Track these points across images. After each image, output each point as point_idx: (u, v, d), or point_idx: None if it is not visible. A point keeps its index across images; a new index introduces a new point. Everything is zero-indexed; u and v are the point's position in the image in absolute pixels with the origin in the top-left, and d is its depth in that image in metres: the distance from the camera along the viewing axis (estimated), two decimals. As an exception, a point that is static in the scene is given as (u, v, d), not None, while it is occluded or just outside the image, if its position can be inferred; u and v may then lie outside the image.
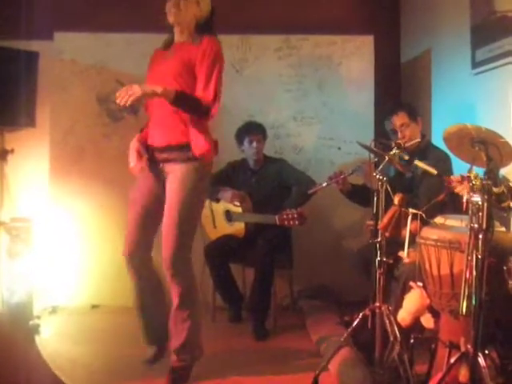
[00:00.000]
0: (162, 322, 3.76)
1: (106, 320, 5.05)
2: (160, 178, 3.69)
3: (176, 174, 3.57)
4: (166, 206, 3.57)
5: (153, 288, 3.79)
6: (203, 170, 3.62)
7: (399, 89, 5.86)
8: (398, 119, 4.39)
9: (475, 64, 4.41)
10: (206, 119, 3.60)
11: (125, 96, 3.42)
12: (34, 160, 5.39)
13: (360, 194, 4.56)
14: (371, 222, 4.02)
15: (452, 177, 3.21)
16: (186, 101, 3.52)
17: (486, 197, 2.64)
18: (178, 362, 3.64)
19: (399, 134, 4.36)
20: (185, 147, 3.56)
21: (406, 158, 3.72)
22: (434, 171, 3.53)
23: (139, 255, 3.71)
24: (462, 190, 3.00)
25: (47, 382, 3.53)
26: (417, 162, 3.65)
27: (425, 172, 3.90)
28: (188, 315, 3.62)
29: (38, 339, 3.95)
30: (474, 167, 2.81)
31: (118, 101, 3.45)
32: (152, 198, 3.71)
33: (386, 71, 5.67)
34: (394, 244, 3.50)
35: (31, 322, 4.08)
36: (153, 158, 3.70)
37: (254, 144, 4.93)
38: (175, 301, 3.62)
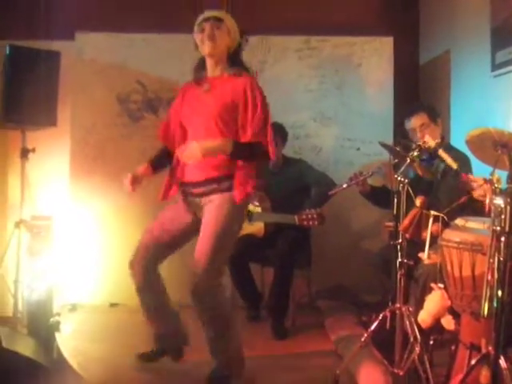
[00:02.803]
0: (166, 325, 3.84)
1: (125, 318, 5.08)
2: (192, 210, 3.68)
3: (213, 204, 3.53)
4: (201, 234, 3.52)
5: (155, 293, 3.83)
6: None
7: (418, 90, 5.86)
8: (418, 119, 4.39)
9: (495, 66, 4.41)
10: (266, 161, 3.65)
11: (185, 157, 3.45)
12: (54, 159, 5.44)
13: (379, 196, 4.56)
14: (389, 223, 4.04)
15: (470, 176, 3.21)
16: (243, 150, 3.50)
17: (508, 200, 2.65)
18: (212, 373, 3.62)
19: (419, 135, 4.36)
20: (222, 179, 3.54)
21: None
22: (454, 165, 3.51)
23: (143, 266, 3.75)
24: (482, 194, 3.01)
25: (67, 377, 3.57)
26: (440, 153, 3.62)
27: (445, 173, 3.91)
28: (220, 335, 3.61)
29: (58, 336, 3.96)
30: (497, 170, 2.82)
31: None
32: (178, 224, 3.71)
33: (405, 72, 5.68)
34: (413, 245, 3.51)
35: (52, 319, 4.10)
36: (188, 193, 3.68)
37: (269, 147, 4.95)
38: (205, 333, 3.61)
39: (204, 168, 3.56)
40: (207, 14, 3.60)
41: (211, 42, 3.53)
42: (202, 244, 3.50)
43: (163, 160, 3.88)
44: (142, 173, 3.76)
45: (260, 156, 3.56)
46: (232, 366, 3.65)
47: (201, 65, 3.70)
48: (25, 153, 4.85)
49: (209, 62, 3.64)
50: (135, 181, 3.72)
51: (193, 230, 3.64)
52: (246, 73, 3.59)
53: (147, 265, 3.75)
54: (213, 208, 3.53)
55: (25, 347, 3.40)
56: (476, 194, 3.06)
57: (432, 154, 3.89)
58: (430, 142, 3.57)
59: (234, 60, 3.62)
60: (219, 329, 3.61)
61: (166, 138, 3.88)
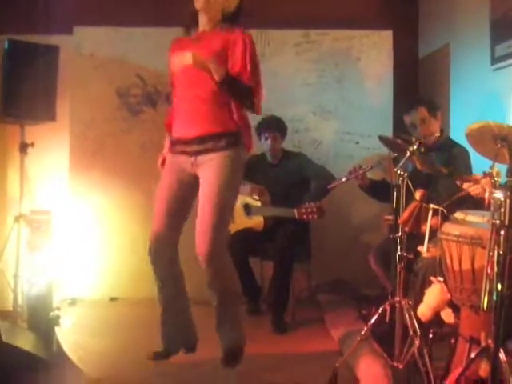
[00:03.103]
0: (184, 318, 3.78)
1: (124, 312, 5.10)
2: (190, 172, 3.61)
3: (212, 164, 3.48)
4: (202, 196, 3.50)
5: (175, 280, 3.74)
6: (238, 158, 3.56)
7: (417, 84, 5.86)
8: (418, 114, 4.39)
9: (494, 59, 4.40)
10: (252, 111, 3.58)
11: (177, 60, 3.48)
12: (54, 153, 5.44)
13: (379, 189, 4.56)
14: (389, 217, 4.05)
15: (464, 177, 3.22)
16: (235, 83, 3.45)
17: (508, 193, 2.65)
18: (229, 346, 3.63)
19: (418, 129, 4.36)
20: (220, 136, 3.50)
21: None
22: (445, 170, 3.53)
23: (166, 243, 3.65)
24: (477, 191, 3.02)
25: (67, 371, 3.58)
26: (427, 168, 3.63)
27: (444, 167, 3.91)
28: (231, 303, 3.65)
29: (57, 330, 3.96)
30: (496, 164, 2.82)
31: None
32: (180, 193, 3.64)
33: (404, 66, 5.68)
34: (413, 239, 3.52)
35: (51, 313, 4.10)
36: (182, 151, 3.62)
37: (269, 141, 4.96)
38: (215, 294, 3.61)
39: (198, 123, 3.53)
40: None
41: None
42: (204, 210, 3.46)
43: None
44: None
45: (247, 99, 3.51)
46: (240, 337, 3.69)
47: (192, 19, 3.68)
48: (24, 147, 4.85)
49: (201, 17, 3.62)
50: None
51: (195, 188, 3.58)
52: (241, 29, 3.55)
53: (170, 248, 3.68)
54: (209, 170, 3.49)
55: (25, 341, 3.41)
56: (474, 192, 3.06)
57: (430, 147, 3.89)
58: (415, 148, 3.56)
59: (228, 20, 3.60)
60: (229, 291, 3.65)
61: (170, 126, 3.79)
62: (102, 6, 5.51)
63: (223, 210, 3.48)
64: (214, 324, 3.70)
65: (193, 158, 3.56)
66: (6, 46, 4.63)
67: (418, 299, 3.37)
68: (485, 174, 2.88)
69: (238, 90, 3.49)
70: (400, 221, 3.39)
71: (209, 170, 3.50)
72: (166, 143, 3.83)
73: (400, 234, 3.43)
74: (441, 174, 3.74)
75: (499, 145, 2.85)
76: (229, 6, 3.59)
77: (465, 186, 3.10)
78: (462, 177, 3.19)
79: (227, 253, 3.59)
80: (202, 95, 3.51)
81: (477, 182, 3.04)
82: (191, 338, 3.82)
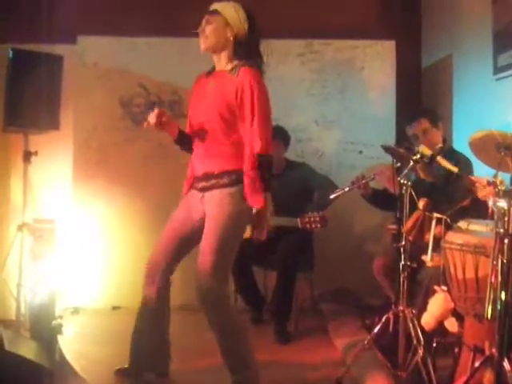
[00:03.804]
0: (159, 346, 3.72)
1: (127, 321, 5.04)
2: (199, 207, 3.57)
3: (213, 201, 3.47)
4: (204, 233, 3.45)
5: (159, 310, 3.70)
6: (241, 196, 3.47)
7: (420, 93, 5.87)
8: (420, 125, 4.40)
9: (497, 69, 4.42)
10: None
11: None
12: (57, 162, 5.44)
13: (381, 199, 4.57)
14: (392, 226, 4.05)
15: (474, 178, 3.22)
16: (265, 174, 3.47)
17: (511, 202, 2.65)
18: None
19: (421, 140, 4.36)
20: (223, 174, 3.47)
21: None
22: (455, 169, 3.51)
23: (161, 269, 3.62)
24: (486, 195, 3.01)
25: (70, 380, 3.57)
26: (439, 159, 3.62)
27: (447, 177, 3.91)
28: (228, 344, 3.48)
29: (60, 339, 3.96)
30: (500, 173, 2.83)
31: None
32: (189, 225, 3.60)
33: (407, 76, 5.69)
34: (416, 248, 3.52)
35: (54, 322, 4.10)
36: (193, 187, 3.62)
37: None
38: (214, 333, 3.49)
39: (206, 161, 3.53)
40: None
41: (201, 37, 3.47)
42: (205, 246, 3.42)
43: (188, 140, 3.68)
44: (168, 116, 3.59)
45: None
46: (247, 375, 3.49)
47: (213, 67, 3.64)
48: (27, 156, 4.85)
49: (213, 57, 3.56)
50: (161, 114, 3.50)
51: (202, 226, 3.53)
52: (246, 66, 3.43)
53: (163, 277, 3.63)
54: (212, 206, 3.47)
55: (27, 350, 3.40)
56: (480, 194, 3.06)
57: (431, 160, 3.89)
58: (426, 151, 3.57)
59: (240, 51, 3.48)
60: (231, 340, 3.48)
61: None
62: (106, 16, 5.52)
63: (223, 248, 3.40)
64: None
65: (201, 195, 3.55)
66: (10, 55, 4.64)
67: (422, 308, 3.37)
68: (488, 183, 2.88)
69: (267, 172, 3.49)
70: (404, 230, 3.39)
71: (211, 206, 3.49)
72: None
73: (404, 243, 3.43)
74: (449, 176, 3.74)
75: (502, 153, 2.86)
76: (237, 36, 3.46)
77: (477, 185, 3.08)
78: (470, 178, 3.18)
79: (227, 296, 3.52)
80: (211, 135, 3.49)
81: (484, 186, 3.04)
82: (162, 363, 3.76)
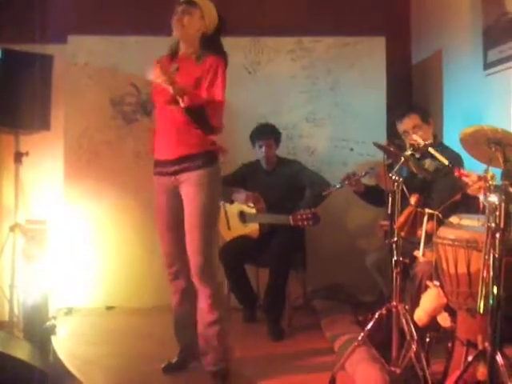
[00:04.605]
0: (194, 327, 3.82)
1: (121, 321, 5.08)
2: (173, 189, 3.71)
3: (190, 182, 3.60)
4: (185, 216, 3.63)
5: (191, 296, 3.79)
6: (215, 176, 3.69)
7: (411, 90, 5.88)
8: (411, 121, 4.40)
9: (487, 65, 4.42)
10: (212, 134, 3.65)
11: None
12: (48, 163, 5.42)
13: (373, 195, 4.59)
14: (385, 222, 4.06)
15: (463, 171, 3.22)
16: (198, 111, 3.49)
17: (503, 197, 2.66)
18: (213, 367, 3.71)
19: (411, 136, 4.37)
20: (196, 156, 3.61)
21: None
22: (446, 161, 3.53)
23: (178, 265, 3.78)
24: (476, 190, 3.02)
25: (64, 381, 3.57)
26: (430, 150, 3.64)
27: (437, 172, 3.92)
28: (218, 318, 3.68)
29: (54, 340, 3.96)
30: (491, 168, 2.84)
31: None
32: (171, 213, 3.75)
33: (397, 72, 5.68)
34: (408, 244, 3.53)
35: (48, 323, 4.10)
36: (162, 172, 3.73)
37: (263, 149, 4.96)
38: (204, 305, 3.67)
39: (175, 146, 3.63)
40: None
41: (178, 25, 3.60)
42: (189, 229, 3.60)
43: None
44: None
45: (206, 126, 3.56)
46: (226, 357, 3.74)
47: (176, 45, 3.78)
48: (18, 157, 4.84)
49: (181, 44, 3.73)
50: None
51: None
52: (214, 54, 3.61)
53: (184, 268, 3.75)
54: (188, 188, 3.61)
55: (21, 351, 3.39)
56: (470, 190, 3.06)
57: (423, 153, 3.91)
58: (419, 140, 3.60)
59: (207, 44, 3.66)
60: (218, 305, 3.69)
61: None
62: (96, 15, 5.51)
63: (206, 229, 3.60)
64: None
65: (173, 177, 3.68)
66: (0, 56, 4.63)
67: (415, 304, 3.38)
68: (479, 178, 2.89)
69: (199, 119, 3.53)
70: (396, 226, 3.40)
71: (188, 188, 3.63)
72: None
73: (396, 239, 3.44)
74: (439, 171, 3.75)
75: (493, 148, 2.87)
76: (206, 30, 3.67)
77: (465, 178, 3.09)
78: (460, 171, 3.18)
79: (217, 269, 3.73)
80: (180, 119, 3.57)
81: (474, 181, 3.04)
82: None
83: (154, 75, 3.38)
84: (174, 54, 3.78)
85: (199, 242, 3.57)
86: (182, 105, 3.42)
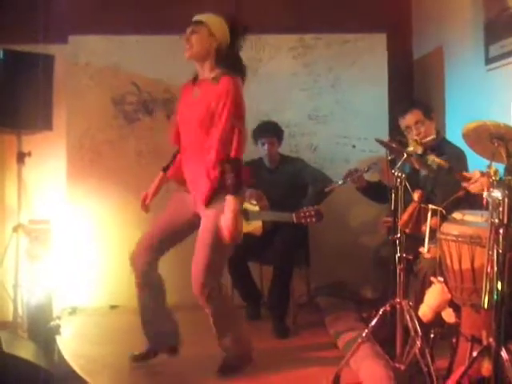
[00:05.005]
0: (161, 324, 3.91)
1: (125, 320, 5.08)
2: (191, 208, 3.73)
3: (211, 211, 3.59)
4: (200, 232, 3.64)
5: (153, 291, 3.89)
6: (240, 204, 3.65)
7: (412, 86, 5.88)
8: (413, 117, 4.40)
9: (488, 60, 4.42)
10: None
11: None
12: (51, 162, 5.42)
13: (376, 191, 4.58)
14: (388, 219, 4.05)
15: (464, 173, 3.23)
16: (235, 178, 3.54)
17: (506, 192, 2.66)
18: (227, 361, 3.81)
19: (414, 132, 4.37)
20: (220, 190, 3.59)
21: (420, 152, 3.72)
22: (445, 164, 3.53)
23: (145, 259, 3.82)
24: (476, 189, 3.02)
25: (69, 380, 3.58)
26: (429, 156, 3.65)
27: (440, 168, 3.92)
28: (225, 331, 3.75)
29: (58, 339, 3.97)
30: (494, 163, 2.83)
31: None
32: (180, 220, 3.80)
33: (399, 69, 5.69)
34: (412, 240, 3.53)
35: (52, 323, 4.10)
36: (186, 189, 3.78)
37: (266, 146, 4.96)
38: (210, 319, 3.73)
39: (199, 169, 3.64)
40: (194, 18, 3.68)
41: (187, 47, 3.61)
42: (201, 244, 3.61)
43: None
44: (154, 188, 4.01)
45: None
46: (241, 356, 3.81)
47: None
48: (21, 157, 4.85)
49: (197, 66, 3.72)
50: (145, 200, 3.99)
51: (195, 223, 3.71)
52: (228, 75, 3.57)
53: (148, 259, 3.82)
54: (210, 215, 3.60)
55: (26, 351, 3.41)
56: (473, 189, 3.06)
57: (426, 149, 3.90)
58: (416, 148, 3.59)
59: (222, 60, 3.64)
60: (225, 323, 3.75)
61: (177, 140, 3.91)
62: (97, 15, 5.50)
63: (218, 249, 3.61)
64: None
65: (193, 197, 3.71)
66: (1, 56, 4.63)
67: (419, 300, 3.38)
68: (482, 174, 2.89)
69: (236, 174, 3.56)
70: (400, 223, 3.40)
71: (208, 211, 3.62)
72: (154, 183, 4.04)
73: (399, 235, 3.44)
74: (441, 169, 3.75)
75: (496, 144, 2.86)
76: (219, 46, 3.64)
77: (465, 184, 3.10)
78: (461, 174, 3.19)
79: (221, 286, 3.74)
80: (201, 145, 3.62)
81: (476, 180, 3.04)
82: (173, 338, 3.94)
83: None
84: (196, 78, 3.77)
85: (205, 262, 3.58)
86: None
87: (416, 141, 3.65)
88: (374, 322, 3.49)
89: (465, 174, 3.21)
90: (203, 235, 3.61)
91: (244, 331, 3.87)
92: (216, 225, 3.54)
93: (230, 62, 3.64)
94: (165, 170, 4.00)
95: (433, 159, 3.56)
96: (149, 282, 3.85)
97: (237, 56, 3.69)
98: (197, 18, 3.66)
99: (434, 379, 3.13)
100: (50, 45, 5.08)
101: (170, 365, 3.93)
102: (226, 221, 3.49)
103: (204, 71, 3.68)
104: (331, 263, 5.33)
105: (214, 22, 3.64)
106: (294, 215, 4.54)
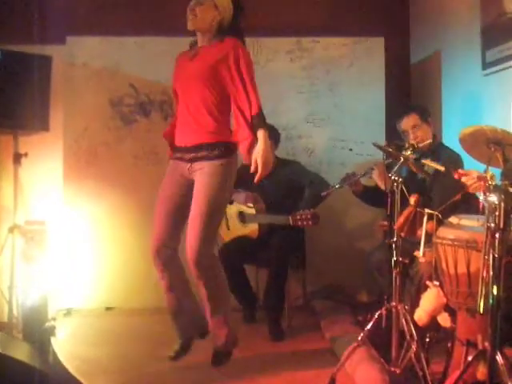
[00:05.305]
0: (191, 313, 3.90)
1: (120, 322, 5.08)
2: (187, 176, 3.76)
3: (204, 171, 3.65)
4: (193, 201, 3.66)
5: (179, 281, 3.85)
6: (230, 168, 3.73)
7: (410, 90, 5.88)
8: (410, 120, 4.41)
9: (485, 65, 4.43)
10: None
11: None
12: (47, 163, 5.42)
13: (372, 195, 4.58)
14: (384, 223, 4.05)
15: (464, 171, 3.22)
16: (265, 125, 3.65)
17: (502, 196, 2.66)
18: (218, 348, 3.83)
19: (411, 136, 4.38)
20: (214, 146, 3.66)
21: (415, 156, 3.73)
22: (441, 168, 3.53)
23: (166, 250, 3.78)
24: (477, 189, 3.02)
25: (64, 382, 3.57)
26: (424, 161, 3.65)
27: (437, 172, 3.93)
28: (218, 307, 3.77)
29: (53, 341, 3.97)
30: (490, 168, 2.84)
31: None
32: (179, 194, 3.79)
33: (396, 72, 5.70)
34: (408, 244, 3.53)
35: (47, 324, 4.10)
36: (180, 158, 3.78)
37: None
38: (204, 293, 3.74)
39: (195, 133, 3.70)
40: None
41: (191, 17, 3.66)
42: (195, 213, 3.63)
43: None
44: None
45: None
46: (229, 340, 3.82)
47: (195, 41, 3.84)
48: (17, 158, 4.84)
49: (197, 36, 3.78)
50: None
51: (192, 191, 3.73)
52: (230, 37, 3.66)
53: (168, 251, 3.80)
54: (202, 175, 3.65)
55: (20, 352, 3.39)
56: (471, 188, 3.06)
57: (422, 154, 3.91)
58: (409, 154, 3.60)
59: (224, 31, 3.70)
60: (217, 287, 3.76)
61: (169, 135, 3.94)
62: (95, 16, 5.51)
63: (212, 217, 3.65)
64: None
65: (189, 165, 3.73)
66: (-1, 57, 4.63)
67: (415, 304, 3.38)
68: (479, 178, 2.89)
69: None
70: (395, 226, 3.40)
71: (201, 176, 3.67)
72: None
73: (395, 239, 3.44)
74: (438, 173, 3.75)
75: (493, 149, 2.87)
76: (221, 19, 3.70)
77: (463, 179, 3.09)
78: (458, 171, 3.18)
79: (215, 256, 3.79)
80: (201, 106, 3.67)
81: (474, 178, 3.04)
82: (203, 323, 3.91)
83: None
84: (192, 46, 3.85)
85: (200, 230, 3.59)
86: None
87: (413, 145, 3.64)
88: (369, 326, 3.48)
89: (461, 171, 3.20)
90: (197, 204, 3.63)
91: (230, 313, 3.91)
92: (210, 192, 3.61)
93: (231, 34, 3.70)
94: None
95: (428, 163, 3.56)
96: (174, 273, 3.83)
97: (238, 29, 3.74)
98: None
99: (430, 383, 3.13)
100: (47, 45, 5.08)
101: (166, 367, 3.92)
102: (259, 152, 3.56)
103: (203, 40, 3.75)
104: (327, 266, 5.34)
105: None
106: (290, 218, 4.53)
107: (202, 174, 3.66)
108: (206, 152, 3.66)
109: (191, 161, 3.72)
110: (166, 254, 3.78)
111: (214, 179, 3.63)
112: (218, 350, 3.82)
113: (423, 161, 3.62)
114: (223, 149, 3.67)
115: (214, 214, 3.67)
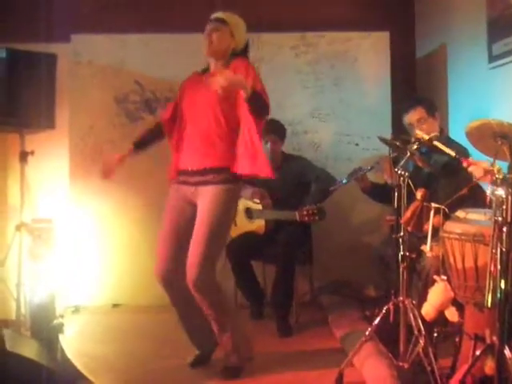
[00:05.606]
0: (203, 330, 3.82)
1: (127, 319, 5.10)
2: (191, 200, 3.73)
3: (209, 195, 3.62)
4: (196, 225, 3.62)
5: (187, 301, 3.74)
6: (234, 194, 3.72)
7: (415, 84, 5.86)
8: (416, 114, 4.39)
9: (492, 58, 4.41)
10: (265, 118, 3.74)
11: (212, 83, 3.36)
12: (54, 161, 5.43)
13: (381, 192, 4.56)
14: (391, 217, 4.04)
15: (470, 160, 3.21)
16: (257, 96, 3.49)
17: (509, 190, 2.65)
18: (228, 363, 3.75)
19: (417, 129, 4.36)
20: (221, 170, 3.63)
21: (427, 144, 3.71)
22: (452, 153, 3.51)
23: (169, 274, 3.73)
24: (486, 178, 3.00)
25: (72, 379, 3.58)
26: (436, 144, 3.62)
27: (444, 166, 3.92)
28: (225, 326, 3.71)
29: (61, 338, 3.98)
30: (497, 161, 2.83)
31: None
32: (182, 219, 3.76)
33: (401, 67, 5.68)
34: (415, 238, 3.52)
35: (55, 321, 4.12)
36: (184, 181, 3.76)
37: (269, 145, 4.95)
38: (208, 314, 3.69)
39: (203, 157, 3.66)
40: (213, 15, 3.72)
41: (207, 43, 3.66)
42: (197, 237, 3.59)
43: (149, 140, 4.09)
44: (118, 160, 4.04)
45: (265, 112, 3.64)
46: (241, 355, 3.76)
47: (207, 66, 3.83)
48: (24, 156, 4.84)
49: (210, 62, 3.77)
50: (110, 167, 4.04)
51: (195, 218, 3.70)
52: (236, 58, 3.68)
53: (174, 273, 3.73)
54: (207, 199, 3.62)
55: (29, 350, 3.41)
56: (479, 176, 3.04)
57: (430, 148, 3.89)
58: (423, 135, 3.59)
59: (235, 55, 3.72)
60: (222, 315, 3.70)
61: (167, 121, 3.95)
62: (99, 14, 5.52)
63: (213, 243, 3.60)
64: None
65: (193, 188, 3.72)
66: (5, 55, 4.62)
67: (422, 298, 3.37)
68: (486, 172, 2.89)
69: (260, 104, 3.55)
70: (402, 221, 3.39)
71: (205, 200, 3.64)
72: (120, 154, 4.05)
73: (402, 233, 3.43)
74: (445, 166, 3.74)
75: (499, 142, 2.85)
76: (236, 47, 3.74)
77: (471, 168, 3.09)
78: (468, 160, 3.17)
79: (215, 281, 3.67)
80: (212, 131, 3.65)
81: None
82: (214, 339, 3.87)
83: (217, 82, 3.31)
84: (205, 71, 3.83)
85: (200, 256, 3.55)
86: (244, 95, 3.42)
87: (419, 139, 3.63)
88: (377, 321, 3.48)
89: (471, 160, 3.19)
90: (200, 229, 3.59)
91: (244, 331, 3.85)
92: (213, 219, 3.57)
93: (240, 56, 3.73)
94: (136, 145, 4.04)
95: (442, 146, 3.53)
96: (182, 292, 3.73)
97: (246, 55, 3.79)
98: (220, 15, 3.71)
99: (438, 378, 3.13)
100: (52, 43, 5.10)
101: (172, 365, 3.94)
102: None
103: (216, 66, 3.72)
104: (334, 261, 5.34)
105: (237, 24, 3.73)
106: (297, 213, 4.53)
107: (207, 199, 3.63)
108: (212, 176, 3.63)
109: (196, 184, 3.69)
110: (169, 278, 3.72)
111: (218, 204, 3.60)
112: (228, 366, 3.76)
113: (435, 143, 3.59)
114: (229, 174, 3.63)
115: (216, 240, 3.62)
